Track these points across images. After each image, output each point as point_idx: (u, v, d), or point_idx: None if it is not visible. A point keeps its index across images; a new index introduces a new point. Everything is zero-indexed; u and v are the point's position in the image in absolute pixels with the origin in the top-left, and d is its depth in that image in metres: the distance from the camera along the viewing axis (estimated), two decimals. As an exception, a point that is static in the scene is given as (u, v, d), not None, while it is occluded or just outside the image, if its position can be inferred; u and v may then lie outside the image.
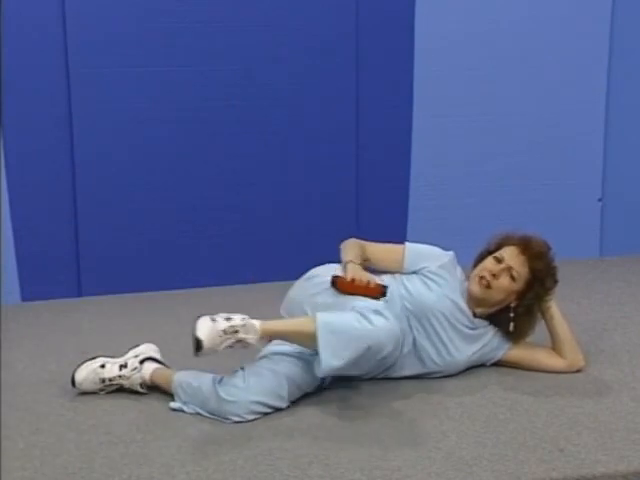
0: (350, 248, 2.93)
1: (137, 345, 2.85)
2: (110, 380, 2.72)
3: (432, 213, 4.19)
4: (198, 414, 2.60)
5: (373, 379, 2.85)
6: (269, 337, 2.59)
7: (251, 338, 2.50)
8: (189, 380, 2.66)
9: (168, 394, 2.70)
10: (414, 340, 2.83)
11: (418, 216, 4.18)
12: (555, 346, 2.93)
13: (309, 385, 2.71)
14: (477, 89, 4.17)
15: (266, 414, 2.59)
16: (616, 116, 4.33)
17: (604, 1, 4.21)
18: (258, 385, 2.60)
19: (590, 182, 4.39)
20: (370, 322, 2.49)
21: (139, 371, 2.72)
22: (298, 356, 2.69)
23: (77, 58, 3.68)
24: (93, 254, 3.86)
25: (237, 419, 2.56)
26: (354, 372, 2.64)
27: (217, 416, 2.58)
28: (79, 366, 2.74)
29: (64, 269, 3.85)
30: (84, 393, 2.75)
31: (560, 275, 2.95)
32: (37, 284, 3.81)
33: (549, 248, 2.92)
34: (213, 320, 2.47)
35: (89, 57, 3.69)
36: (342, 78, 3.99)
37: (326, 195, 4.06)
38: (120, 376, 2.72)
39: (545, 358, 2.92)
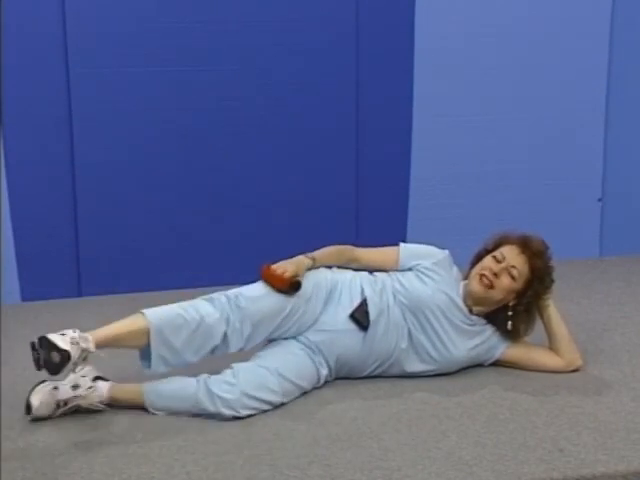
0: (326, 249, 2.93)
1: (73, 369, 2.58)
2: (65, 402, 2.60)
3: (432, 213, 4.19)
4: (174, 414, 2.59)
5: (373, 378, 2.86)
6: (105, 344, 2.58)
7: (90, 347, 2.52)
8: (165, 385, 2.63)
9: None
10: (410, 335, 2.84)
11: (418, 216, 4.18)
12: (553, 345, 2.93)
13: (305, 380, 2.73)
14: (477, 89, 4.17)
15: (264, 411, 2.61)
16: (616, 116, 4.33)
17: (604, 1, 4.21)
18: (249, 380, 2.62)
19: (590, 182, 4.40)
20: (197, 310, 2.66)
21: (95, 389, 2.62)
22: (289, 351, 2.73)
23: (77, 58, 3.68)
24: (93, 254, 3.86)
25: (230, 412, 2.57)
26: (183, 364, 2.67)
27: (207, 412, 2.58)
28: (31, 391, 2.60)
29: (64, 269, 3.85)
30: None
31: (560, 275, 2.96)
32: (37, 284, 3.81)
33: (547, 247, 2.93)
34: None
35: (89, 57, 3.69)
36: (342, 78, 3.99)
37: (326, 195, 4.06)
38: (76, 396, 2.60)
39: (543, 357, 2.93)
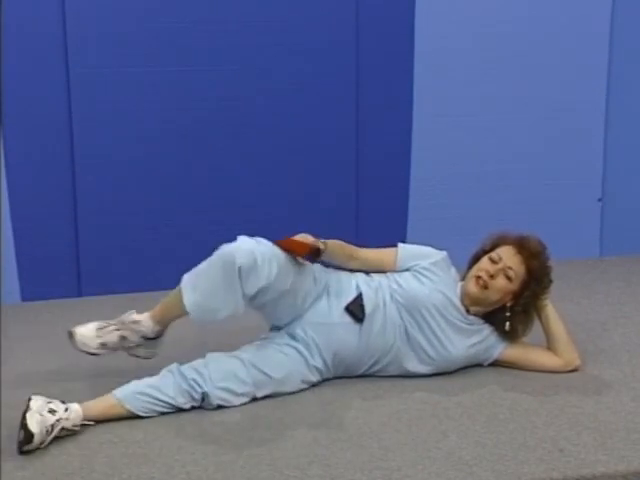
0: (331, 240, 2.90)
1: (29, 400, 2.49)
2: (52, 426, 2.43)
3: (432, 213, 4.19)
4: (157, 413, 2.59)
5: (373, 377, 2.86)
6: (160, 317, 2.80)
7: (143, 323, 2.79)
8: (140, 385, 2.60)
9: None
10: (407, 334, 2.84)
11: (418, 216, 4.19)
12: (551, 345, 2.93)
13: (283, 374, 2.71)
14: (477, 89, 4.17)
15: (233, 404, 2.63)
16: (616, 116, 4.33)
17: (604, 1, 4.22)
18: (219, 370, 2.62)
19: (590, 182, 4.40)
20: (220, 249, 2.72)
21: (70, 409, 2.51)
22: (269, 345, 2.74)
23: (77, 58, 3.68)
24: (93, 254, 3.86)
25: (203, 398, 2.60)
26: (224, 305, 2.63)
27: (192, 401, 2.60)
28: (27, 422, 2.39)
29: (64, 269, 3.85)
30: (83, 394, 2.72)
31: (560, 275, 2.96)
32: (37, 284, 3.81)
33: (544, 247, 2.92)
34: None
35: (89, 57, 3.69)
36: (342, 78, 3.99)
37: (326, 195, 4.06)
38: (58, 419, 2.45)
39: (541, 357, 2.93)
